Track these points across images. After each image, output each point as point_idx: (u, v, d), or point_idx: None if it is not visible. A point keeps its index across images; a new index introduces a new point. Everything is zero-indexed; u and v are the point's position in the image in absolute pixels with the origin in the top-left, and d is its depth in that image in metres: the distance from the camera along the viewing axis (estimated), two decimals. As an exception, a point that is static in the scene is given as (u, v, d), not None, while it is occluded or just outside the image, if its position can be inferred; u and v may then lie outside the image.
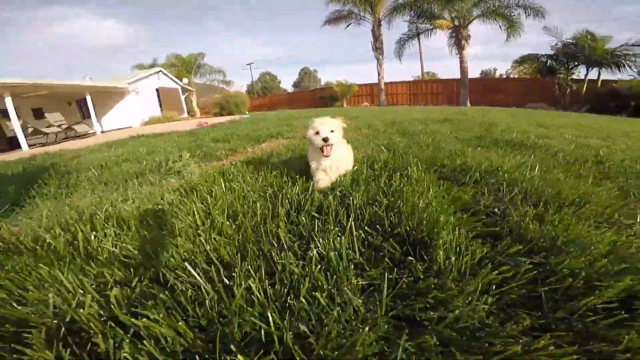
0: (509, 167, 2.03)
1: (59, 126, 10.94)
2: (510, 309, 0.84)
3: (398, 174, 1.86)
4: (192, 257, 1.13)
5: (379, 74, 20.87)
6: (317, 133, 1.70)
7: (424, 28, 19.33)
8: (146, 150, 3.80)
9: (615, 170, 2.13)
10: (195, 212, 1.44)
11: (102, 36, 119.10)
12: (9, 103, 9.61)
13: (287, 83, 59.90)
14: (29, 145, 10.01)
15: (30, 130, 10.27)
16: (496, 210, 1.42)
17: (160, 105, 18.73)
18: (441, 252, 1.03)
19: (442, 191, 1.60)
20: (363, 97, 23.53)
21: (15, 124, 9.74)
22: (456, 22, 17.71)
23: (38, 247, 1.34)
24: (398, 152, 2.53)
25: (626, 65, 15.38)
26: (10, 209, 2.10)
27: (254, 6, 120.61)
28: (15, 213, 2.03)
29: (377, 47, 20.40)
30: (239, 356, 0.69)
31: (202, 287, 0.94)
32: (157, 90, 18.67)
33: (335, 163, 1.81)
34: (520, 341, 0.73)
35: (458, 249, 1.06)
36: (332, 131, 1.71)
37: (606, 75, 16.27)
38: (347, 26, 20.90)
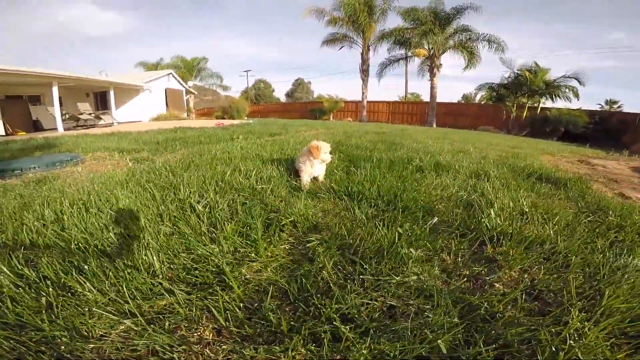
0: (366, 144, 4.70)
1: (89, 114, 13.20)
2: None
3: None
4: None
5: (362, 93, 23.92)
6: (326, 153, 2.43)
7: (403, 55, 22.58)
8: (208, 135, 6.30)
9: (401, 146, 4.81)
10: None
11: (100, 27, 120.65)
12: (55, 92, 11.88)
13: (280, 91, 62.85)
14: (65, 129, 12.23)
15: (67, 116, 12.51)
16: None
17: (167, 105, 21.07)
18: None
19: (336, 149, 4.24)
20: (349, 112, 26.54)
21: (56, 110, 11.98)
22: (432, 52, 20.97)
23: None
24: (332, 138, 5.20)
25: (558, 95, 18.19)
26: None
27: (252, 11, 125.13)
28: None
29: (364, 69, 23.48)
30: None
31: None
32: (165, 90, 21.02)
33: (321, 171, 2.58)
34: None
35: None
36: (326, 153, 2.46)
37: (549, 104, 19.08)
38: (340, 48, 23.84)
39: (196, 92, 26.67)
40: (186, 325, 0.95)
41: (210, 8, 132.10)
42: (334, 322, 0.92)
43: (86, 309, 0.99)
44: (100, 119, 13.71)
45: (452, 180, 2.70)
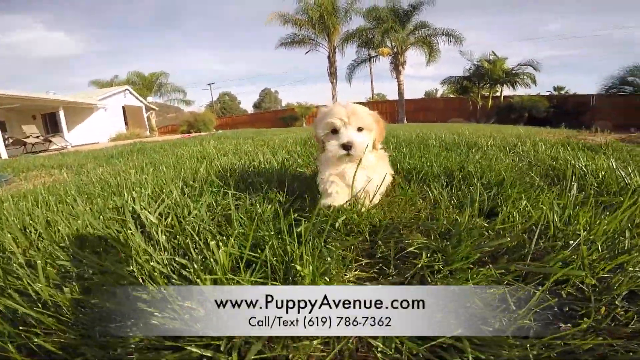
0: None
1: (37, 137, 11.87)
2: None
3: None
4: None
5: (333, 97, 23.77)
6: (335, 132, 1.11)
7: (368, 55, 22.74)
8: (173, 143, 5.64)
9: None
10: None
11: (50, 48, 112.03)
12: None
13: (247, 103, 61.95)
14: (9, 156, 10.86)
15: (10, 140, 11.14)
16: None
17: (126, 123, 19.62)
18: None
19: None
20: (320, 117, 26.26)
21: (-3, 135, 10.61)
22: (395, 49, 21.30)
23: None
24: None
25: (517, 83, 19.12)
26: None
27: (215, 23, 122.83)
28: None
29: (332, 72, 23.33)
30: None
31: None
32: (123, 107, 19.55)
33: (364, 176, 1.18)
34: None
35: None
36: (360, 129, 1.14)
37: (510, 92, 20.09)
38: (307, 52, 23.41)
39: (157, 108, 25.23)
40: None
41: (168, 25, 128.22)
42: None
43: None
44: (51, 142, 12.40)
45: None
